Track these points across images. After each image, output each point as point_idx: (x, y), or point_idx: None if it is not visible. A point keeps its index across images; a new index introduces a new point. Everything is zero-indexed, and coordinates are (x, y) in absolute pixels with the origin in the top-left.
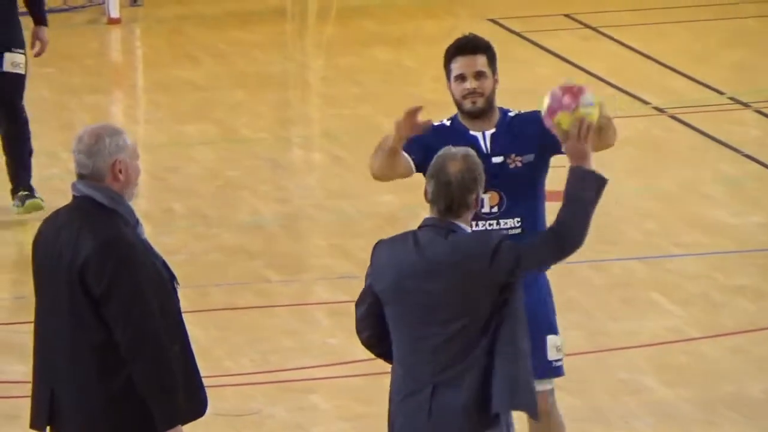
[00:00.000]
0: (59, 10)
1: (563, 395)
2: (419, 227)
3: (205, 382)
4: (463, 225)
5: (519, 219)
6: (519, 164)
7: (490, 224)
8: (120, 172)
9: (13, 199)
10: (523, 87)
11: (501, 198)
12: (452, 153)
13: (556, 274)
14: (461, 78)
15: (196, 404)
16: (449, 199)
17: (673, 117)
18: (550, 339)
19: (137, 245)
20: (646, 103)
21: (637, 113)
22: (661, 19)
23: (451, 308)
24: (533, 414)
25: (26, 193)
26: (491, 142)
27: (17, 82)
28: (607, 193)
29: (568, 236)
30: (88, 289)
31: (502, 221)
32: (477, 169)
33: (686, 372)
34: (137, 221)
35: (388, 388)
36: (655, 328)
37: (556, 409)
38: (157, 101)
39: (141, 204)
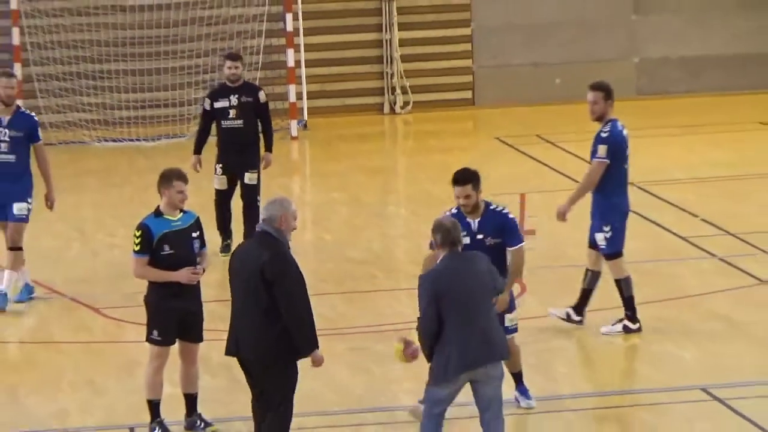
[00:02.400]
0: None
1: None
2: (445, 257)
3: (344, 332)
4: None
5: None
6: (492, 243)
7: None
8: (283, 221)
9: None
10: (512, 173)
11: None
12: (442, 217)
13: None
14: (457, 198)
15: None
16: (452, 238)
17: None
18: (507, 316)
19: (291, 256)
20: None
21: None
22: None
23: (487, 291)
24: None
25: None
26: (477, 226)
27: (254, 190)
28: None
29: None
30: (265, 278)
31: None
32: (457, 223)
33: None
34: (289, 247)
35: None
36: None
37: (516, 347)
38: (316, 181)
39: (306, 235)
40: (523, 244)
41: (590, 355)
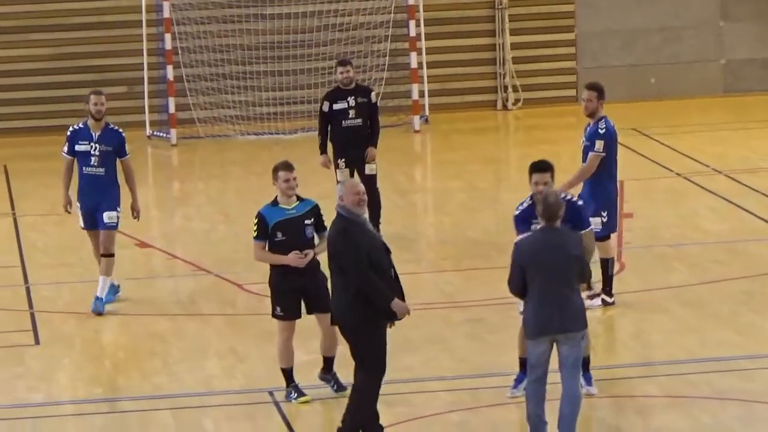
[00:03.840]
0: (390, 126)
1: None
2: (541, 228)
3: (462, 305)
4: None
5: None
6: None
7: None
8: (345, 197)
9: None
10: None
11: None
12: (550, 190)
13: None
14: (536, 184)
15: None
16: (551, 213)
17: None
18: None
19: (355, 231)
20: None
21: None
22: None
23: (571, 269)
24: None
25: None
26: None
27: (374, 179)
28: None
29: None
30: (335, 252)
31: None
32: (562, 202)
33: None
34: (365, 221)
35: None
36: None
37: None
38: (436, 170)
39: (428, 218)
40: (591, 228)
41: (682, 325)
